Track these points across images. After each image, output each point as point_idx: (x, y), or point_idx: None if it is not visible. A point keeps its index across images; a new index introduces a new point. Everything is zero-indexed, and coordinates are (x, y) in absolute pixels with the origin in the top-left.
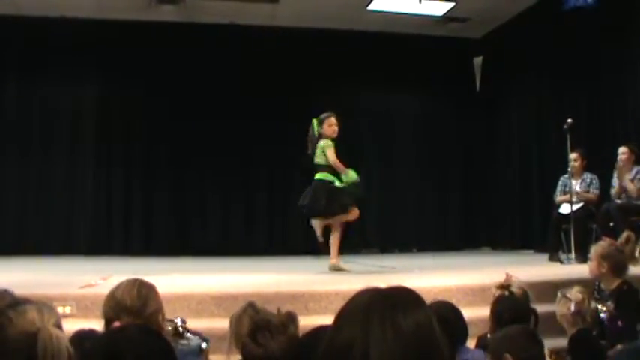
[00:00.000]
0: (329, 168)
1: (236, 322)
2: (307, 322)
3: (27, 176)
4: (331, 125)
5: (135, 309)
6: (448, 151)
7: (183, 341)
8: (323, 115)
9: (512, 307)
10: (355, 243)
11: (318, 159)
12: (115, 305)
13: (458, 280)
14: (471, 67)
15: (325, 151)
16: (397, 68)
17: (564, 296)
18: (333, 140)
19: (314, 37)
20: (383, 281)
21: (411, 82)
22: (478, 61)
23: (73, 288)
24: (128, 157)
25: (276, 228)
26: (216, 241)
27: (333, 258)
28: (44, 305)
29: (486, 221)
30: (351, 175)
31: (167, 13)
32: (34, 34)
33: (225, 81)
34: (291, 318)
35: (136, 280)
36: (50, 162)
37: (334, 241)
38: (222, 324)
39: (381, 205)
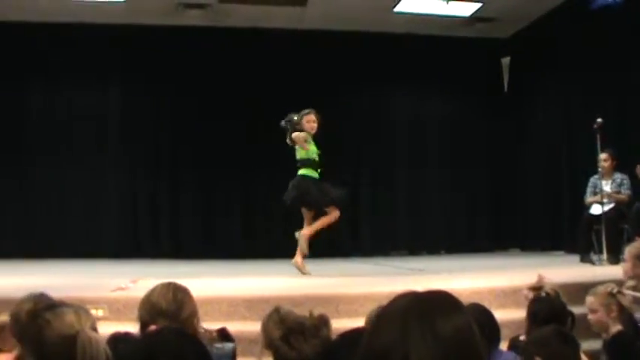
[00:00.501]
0: (312, 163)
1: (265, 326)
2: (338, 324)
3: (55, 180)
4: (309, 121)
5: (170, 312)
6: (476, 152)
7: (218, 345)
8: (304, 111)
9: (548, 308)
10: (384, 245)
11: (300, 155)
12: (150, 309)
13: (488, 282)
14: (498, 68)
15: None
16: (424, 70)
17: (595, 294)
18: (310, 136)
19: (341, 40)
20: (411, 283)
21: (439, 83)
22: (506, 61)
23: (104, 291)
24: (155, 160)
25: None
26: (243, 243)
27: (299, 256)
28: (80, 308)
29: (515, 223)
30: (312, 149)
31: (194, 18)
32: (61, 39)
33: (252, 83)
34: (323, 321)
35: (170, 283)
36: (77, 165)
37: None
38: (254, 327)
39: (410, 206)
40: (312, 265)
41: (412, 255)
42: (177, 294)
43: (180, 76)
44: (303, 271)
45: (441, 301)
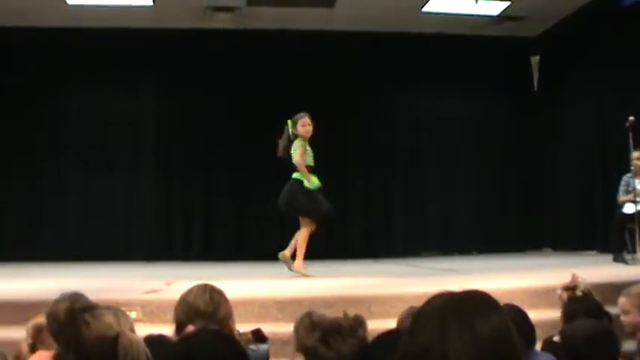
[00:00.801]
0: (308, 168)
1: (297, 330)
2: (371, 325)
3: (88, 183)
4: (304, 125)
5: (208, 313)
6: (507, 151)
7: (253, 347)
8: (297, 116)
9: (584, 308)
10: (415, 246)
11: (295, 159)
12: (188, 310)
13: (521, 282)
14: (528, 66)
15: (295, 150)
16: (453, 69)
17: (628, 295)
18: (306, 140)
19: (369, 41)
20: (444, 284)
21: (468, 83)
22: (535, 59)
23: (137, 293)
24: (187, 163)
25: (334, 231)
26: (274, 245)
27: (299, 259)
28: (118, 310)
29: (547, 222)
30: (314, 182)
31: (222, 21)
32: (94, 45)
33: (281, 85)
34: (359, 321)
35: (206, 285)
36: (111, 169)
37: (300, 242)
38: (286, 329)
39: (441, 207)
40: (345, 266)
41: (444, 255)
42: (214, 295)
43: (210, 79)
44: (304, 273)
45: (478, 301)
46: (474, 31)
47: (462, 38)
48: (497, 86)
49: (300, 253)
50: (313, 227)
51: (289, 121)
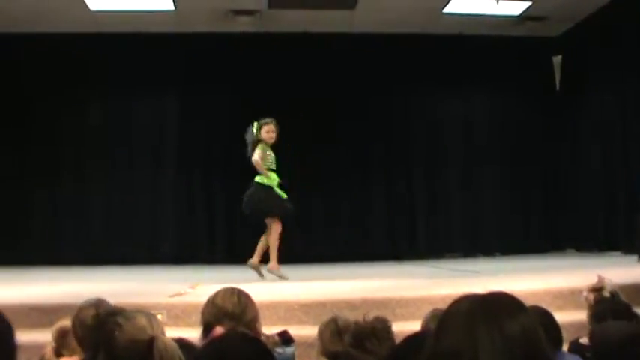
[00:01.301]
0: (268, 172)
1: (322, 335)
2: (395, 328)
3: (111, 186)
4: (268, 132)
5: (236, 315)
6: (529, 152)
7: (279, 349)
8: (263, 121)
9: (613, 309)
10: (439, 248)
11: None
12: (216, 312)
13: (546, 283)
14: (550, 66)
15: (255, 152)
16: (475, 70)
17: None
18: (268, 146)
19: (390, 42)
20: (468, 286)
21: (490, 83)
22: (557, 59)
23: (162, 297)
24: (209, 166)
25: (358, 233)
26: (298, 248)
27: (272, 261)
28: (150, 313)
29: (571, 223)
30: (273, 178)
31: (244, 24)
32: (116, 49)
33: (303, 88)
34: (388, 323)
35: (233, 288)
36: (134, 172)
37: (272, 243)
38: (311, 331)
39: (464, 208)
40: (368, 268)
41: (467, 257)
42: (241, 297)
43: (232, 82)
44: (281, 275)
45: (505, 302)
46: (496, 31)
47: (484, 39)
48: (519, 86)
49: (274, 255)
50: (280, 227)
51: (255, 124)
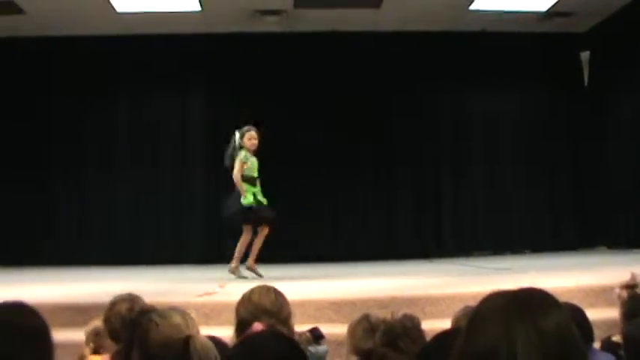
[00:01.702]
0: (250, 179)
1: (353, 332)
2: (425, 326)
3: (138, 187)
4: (250, 139)
5: (273, 312)
6: (558, 149)
7: (312, 348)
8: (244, 128)
9: None
10: (467, 245)
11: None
12: (253, 309)
13: (577, 281)
14: (578, 62)
15: (236, 163)
16: (502, 67)
17: None
18: (251, 153)
19: (416, 40)
20: (498, 283)
21: (517, 81)
22: (585, 55)
23: (191, 296)
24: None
25: (385, 231)
26: (327, 247)
27: (234, 262)
28: (185, 312)
29: (601, 220)
30: (248, 198)
31: (270, 24)
32: (143, 51)
33: (329, 87)
34: (418, 321)
35: (268, 285)
36: (161, 173)
37: (240, 245)
38: (342, 330)
39: (492, 206)
40: (397, 267)
41: (496, 255)
42: (277, 295)
43: (259, 82)
44: (242, 276)
45: (540, 298)
46: (522, 27)
47: (511, 35)
48: (547, 83)
49: (238, 256)
50: (249, 235)
51: (237, 132)
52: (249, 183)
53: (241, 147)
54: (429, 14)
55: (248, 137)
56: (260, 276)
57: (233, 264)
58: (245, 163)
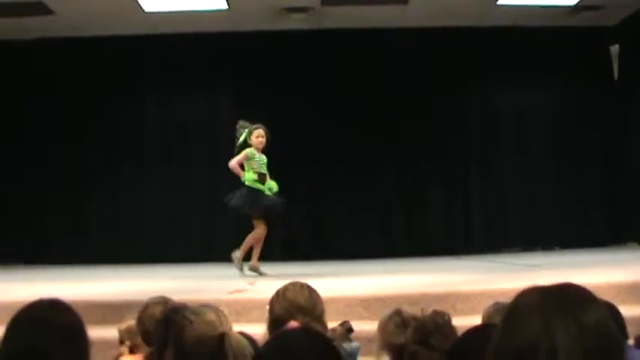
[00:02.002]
0: (256, 175)
1: (384, 328)
2: (456, 322)
3: (167, 185)
4: (257, 137)
5: (308, 309)
6: (588, 144)
7: (346, 345)
8: (253, 126)
9: None
10: (496, 242)
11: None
12: (288, 306)
13: (609, 277)
14: (607, 56)
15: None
16: (530, 61)
17: None
18: (258, 150)
19: (444, 36)
20: (529, 280)
21: (545, 75)
22: (615, 49)
23: (221, 293)
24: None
25: (413, 228)
26: (354, 244)
27: (240, 251)
28: (218, 309)
29: (632, 215)
30: (248, 177)
31: (297, 21)
32: (171, 50)
33: (357, 83)
34: (448, 318)
35: (302, 282)
36: (189, 171)
37: (249, 239)
38: (372, 327)
39: (521, 202)
40: (426, 263)
41: (525, 251)
42: (311, 292)
43: (286, 80)
44: (241, 269)
45: (578, 293)
46: (551, 21)
47: (539, 30)
48: (576, 77)
49: (244, 248)
50: (262, 229)
51: (246, 130)
52: (257, 180)
53: (249, 145)
54: (457, 9)
55: (256, 135)
56: (262, 274)
57: (237, 253)
58: (251, 159)
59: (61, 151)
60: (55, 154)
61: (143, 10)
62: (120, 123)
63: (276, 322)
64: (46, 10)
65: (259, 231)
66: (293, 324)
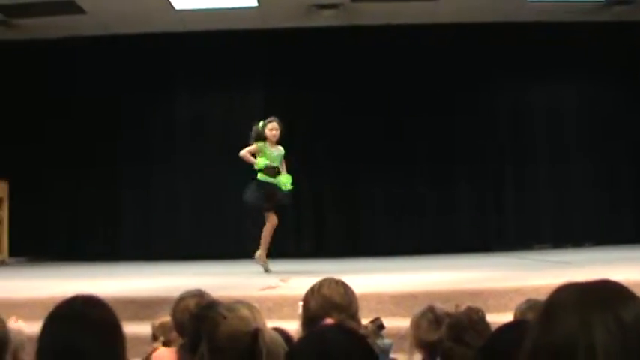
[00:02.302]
0: (268, 169)
1: (417, 324)
2: (489, 319)
3: (199, 181)
4: (271, 130)
5: (344, 306)
6: (619, 140)
7: (379, 342)
8: (267, 120)
9: None
10: (527, 238)
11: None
12: (323, 302)
13: None
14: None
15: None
16: (562, 58)
17: None
18: (271, 143)
19: (474, 32)
20: (561, 276)
21: (576, 72)
22: None
23: (253, 290)
24: (294, 159)
25: (445, 225)
26: (386, 240)
27: (261, 250)
28: (251, 305)
29: None
30: (260, 164)
31: (327, 18)
32: (201, 47)
33: (387, 80)
34: (482, 314)
35: (336, 279)
36: (220, 168)
37: (264, 234)
38: (403, 323)
39: (552, 198)
40: (458, 260)
41: (556, 248)
42: (346, 288)
43: (316, 77)
44: (265, 268)
45: (617, 290)
46: (582, 17)
47: (570, 25)
48: (607, 74)
49: (264, 246)
50: (272, 222)
51: (260, 123)
52: (268, 173)
53: (265, 138)
54: (487, 5)
55: (269, 128)
56: (267, 271)
57: (259, 252)
58: (261, 152)
59: (95, 149)
60: (88, 151)
61: (174, 8)
62: (151, 120)
63: (311, 319)
64: (78, 9)
65: (269, 224)
66: (328, 321)
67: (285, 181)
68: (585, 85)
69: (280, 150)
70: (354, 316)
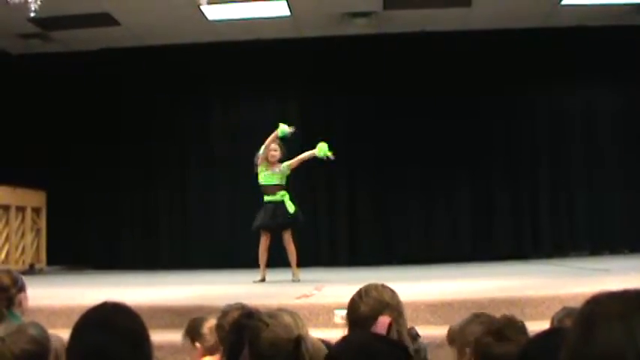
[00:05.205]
0: (265, 187)
1: (461, 332)
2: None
3: (235, 190)
4: (270, 150)
5: (394, 305)
6: None
7: (415, 346)
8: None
9: None
10: (564, 245)
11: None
12: (374, 303)
13: None
14: None
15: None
16: (597, 62)
17: None
18: (271, 163)
19: (507, 38)
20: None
21: (613, 76)
22: None
23: (288, 298)
24: (331, 167)
25: (480, 232)
26: (420, 249)
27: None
28: (293, 312)
29: None
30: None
31: (360, 26)
32: (235, 57)
33: (421, 87)
34: (520, 323)
35: (381, 283)
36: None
37: (290, 254)
38: (438, 332)
39: (589, 205)
40: (494, 267)
41: (593, 255)
42: (393, 291)
43: (351, 84)
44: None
45: None
46: (617, 20)
47: (604, 29)
48: None
49: (294, 266)
50: (262, 241)
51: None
52: (265, 193)
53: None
54: (520, 11)
55: (270, 149)
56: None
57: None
58: (260, 173)
59: (130, 158)
60: (125, 159)
61: (207, 19)
62: (187, 129)
63: (362, 321)
64: (113, 22)
65: (263, 241)
66: (384, 319)
67: (322, 146)
68: (621, 89)
69: (281, 167)
70: (403, 316)
